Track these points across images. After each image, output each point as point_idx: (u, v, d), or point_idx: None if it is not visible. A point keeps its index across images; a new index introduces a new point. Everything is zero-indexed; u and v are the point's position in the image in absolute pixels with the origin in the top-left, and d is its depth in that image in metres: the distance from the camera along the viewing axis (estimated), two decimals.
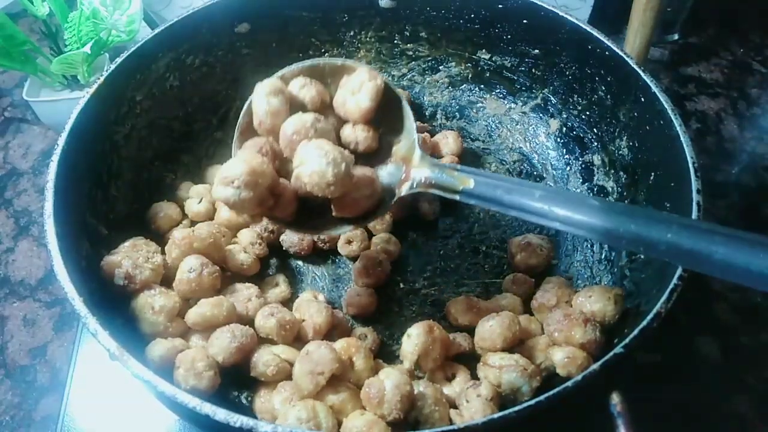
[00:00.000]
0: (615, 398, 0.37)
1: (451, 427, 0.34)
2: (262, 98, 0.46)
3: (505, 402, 0.44)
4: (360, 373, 0.45)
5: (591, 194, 0.61)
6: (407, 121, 0.48)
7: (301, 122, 0.44)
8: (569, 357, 0.44)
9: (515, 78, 0.68)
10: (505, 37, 0.65)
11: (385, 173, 0.48)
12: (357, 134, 0.48)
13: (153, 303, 0.46)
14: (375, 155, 0.49)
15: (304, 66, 0.49)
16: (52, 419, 0.54)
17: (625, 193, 0.57)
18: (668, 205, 0.49)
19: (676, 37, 0.92)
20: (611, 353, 0.37)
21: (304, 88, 0.47)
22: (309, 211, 0.47)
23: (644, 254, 0.39)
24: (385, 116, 0.48)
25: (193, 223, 0.58)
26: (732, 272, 0.33)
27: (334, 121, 0.48)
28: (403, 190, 0.46)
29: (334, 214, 0.46)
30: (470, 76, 0.71)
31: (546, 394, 0.35)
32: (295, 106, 0.47)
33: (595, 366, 0.37)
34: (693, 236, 0.35)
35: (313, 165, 0.41)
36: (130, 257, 0.47)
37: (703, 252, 0.34)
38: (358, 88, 0.47)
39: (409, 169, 0.47)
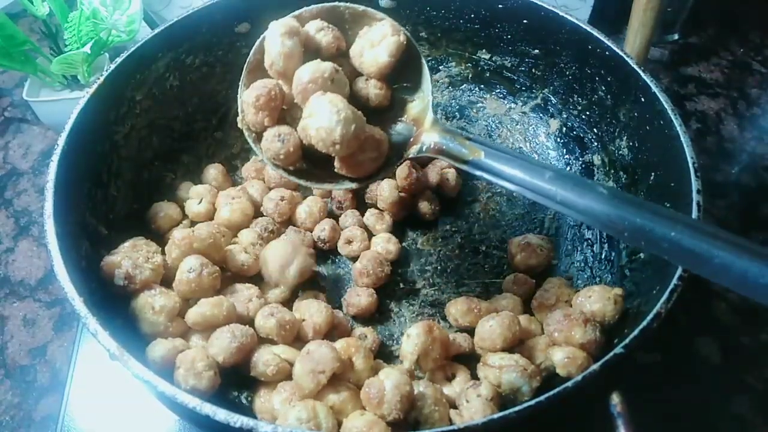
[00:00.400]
0: (615, 398, 0.37)
1: (451, 428, 0.34)
2: (277, 38, 0.44)
3: (505, 402, 0.44)
4: (360, 373, 0.45)
5: None
6: (424, 82, 0.47)
7: (319, 71, 0.43)
8: (569, 357, 0.44)
9: (515, 78, 0.68)
10: (505, 37, 0.65)
11: (395, 132, 0.47)
12: (370, 89, 0.46)
13: (153, 303, 0.46)
14: (387, 112, 0.48)
15: (323, 8, 0.47)
16: (52, 419, 0.54)
17: None
18: (668, 205, 0.48)
19: (676, 37, 0.92)
20: (611, 353, 0.37)
21: (321, 32, 0.45)
22: (313, 161, 0.46)
23: (645, 249, 0.39)
24: (402, 72, 0.47)
25: (193, 224, 0.58)
26: (729, 278, 0.33)
27: (348, 72, 0.47)
28: (411, 153, 0.46)
29: (336, 170, 0.45)
30: (470, 76, 0.71)
31: (546, 395, 0.35)
32: (309, 49, 0.45)
33: (595, 366, 0.37)
34: (696, 237, 0.34)
35: (323, 120, 0.40)
36: (130, 257, 0.47)
37: (704, 254, 0.34)
38: (378, 40, 0.45)
39: (420, 132, 0.46)
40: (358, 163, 0.45)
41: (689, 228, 0.35)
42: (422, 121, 0.46)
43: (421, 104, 0.47)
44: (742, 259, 0.33)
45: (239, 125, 0.48)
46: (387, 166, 0.46)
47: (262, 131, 0.46)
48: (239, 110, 0.47)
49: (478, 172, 0.43)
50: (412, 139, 0.46)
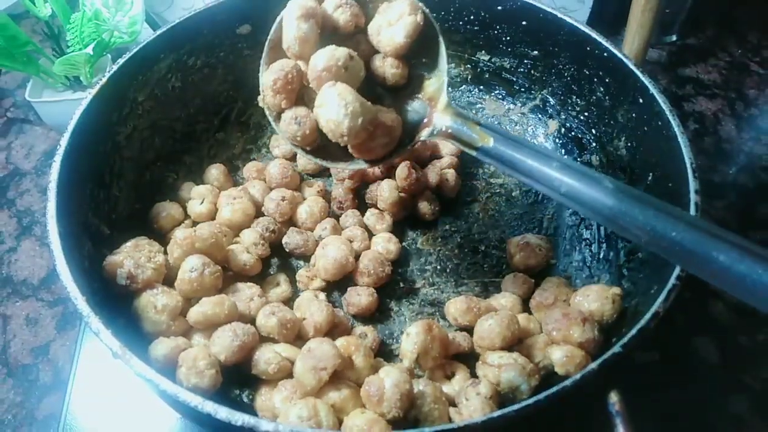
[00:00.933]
0: (613, 397, 0.38)
1: (450, 426, 0.34)
2: (293, 21, 0.44)
3: (504, 400, 0.44)
4: (360, 371, 0.45)
5: None
6: (441, 61, 0.47)
7: (333, 58, 0.43)
8: (568, 356, 0.44)
9: (514, 79, 0.68)
10: (504, 39, 0.65)
11: (411, 109, 0.48)
12: (386, 69, 0.47)
13: (155, 302, 0.46)
14: (404, 88, 0.48)
15: None
16: (55, 418, 0.55)
17: None
18: None
19: (674, 38, 0.92)
20: (609, 352, 0.38)
21: (339, 9, 0.45)
22: (328, 140, 0.47)
23: (645, 247, 0.40)
24: (420, 49, 0.47)
25: (195, 224, 0.58)
26: (729, 282, 0.33)
27: (365, 48, 0.47)
28: (423, 135, 0.46)
29: (350, 151, 0.47)
30: (469, 77, 0.71)
31: (545, 393, 0.36)
32: (327, 26, 0.46)
33: (593, 365, 0.37)
34: (698, 239, 0.34)
35: (331, 112, 0.41)
36: (132, 257, 0.48)
37: (704, 257, 0.34)
38: (395, 19, 0.45)
39: (432, 113, 0.46)
40: (369, 149, 0.46)
41: (693, 229, 0.35)
42: (437, 100, 0.46)
43: (437, 82, 0.47)
44: (743, 263, 0.32)
45: (260, 104, 0.48)
46: (399, 148, 0.47)
47: (280, 112, 0.48)
48: (260, 89, 0.48)
49: (486, 159, 0.43)
50: (425, 121, 0.46)
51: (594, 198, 0.38)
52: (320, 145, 0.48)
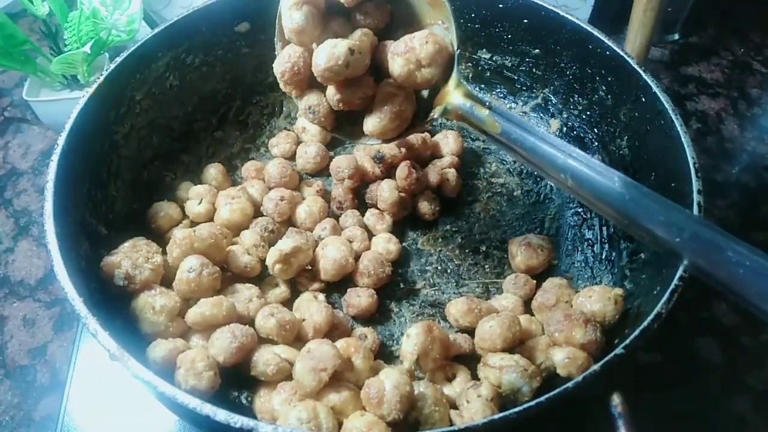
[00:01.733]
0: (615, 399, 0.37)
1: (451, 428, 0.34)
2: (285, 12, 0.45)
3: (506, 402, 0.44)
4: (360, 373, 0.45)
5: None
6: (452, 36, 0.47)
7: (333, 57, 0.43)
8: (570, 357, 0.44)
9: (516, 78, 0.68)
10: (506, 37, 0.65)
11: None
12: None
13: (153, 303, 0.46)
14: None
15: None
16: (52, 419, 0.54)
17: None
18: None
19: (676, 36, 0.92)
20: (612, 354, 0.37)
21: None
22: (346, 118, 0.49)
23: (649, 246, 0.40)
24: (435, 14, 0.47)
25: (193, 224, 0.57)
26: (734, 290, 0.33)
27: (375, 22, 0.47)
28: (436, 113, 0.47)
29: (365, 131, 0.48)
30: (470, 75, 0.71)
31: (546, 395, 0.35)
32: (331, 4, 0.46)
33: (595, 367, 0.37)
34: (702, 244, 0.34)
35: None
36: (129, 257, 0.47)
37: (709, 263, 0.33)
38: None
39: (445, 90, 0.47)
40: (386, 132, 0.48)
41: (700, 230, 0.34)
42: (449, 78, 0.47)
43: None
44: (748, 271, 0.32)
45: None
46: (414, 125, 0.49)
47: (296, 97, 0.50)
48: None
49: (494, 143, 0.44)
50: (437, 98, 0.47)
51: (601, 192, 0.38)
52: (337, 125, 0.50)
